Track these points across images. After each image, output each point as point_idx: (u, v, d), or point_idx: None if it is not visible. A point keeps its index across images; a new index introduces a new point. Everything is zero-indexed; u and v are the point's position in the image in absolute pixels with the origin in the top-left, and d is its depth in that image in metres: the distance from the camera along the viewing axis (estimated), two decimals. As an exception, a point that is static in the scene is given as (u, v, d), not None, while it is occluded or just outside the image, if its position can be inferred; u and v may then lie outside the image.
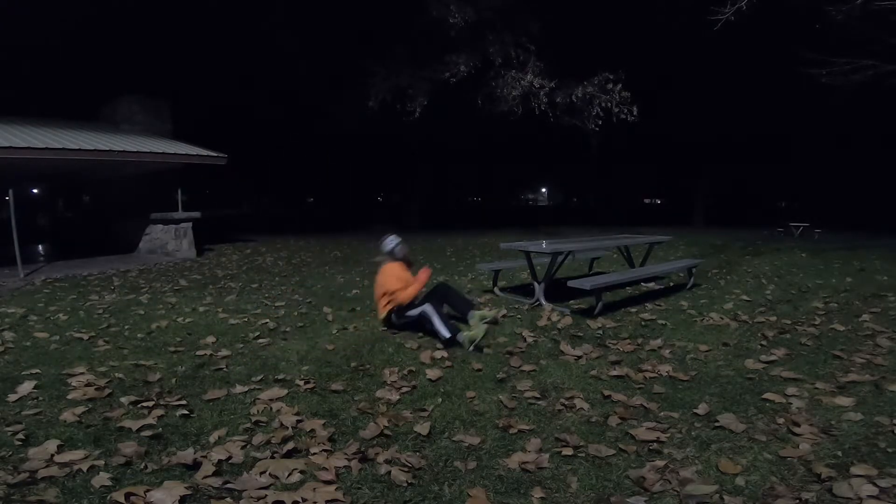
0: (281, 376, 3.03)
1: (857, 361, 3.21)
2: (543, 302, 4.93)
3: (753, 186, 27.54)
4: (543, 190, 57.14)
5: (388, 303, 4.07)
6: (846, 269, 7.44)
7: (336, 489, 1.81)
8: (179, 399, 2.64)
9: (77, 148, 8.37)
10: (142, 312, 4.90)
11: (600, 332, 4.04)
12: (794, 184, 26.10)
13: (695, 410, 2.49)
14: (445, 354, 3.44)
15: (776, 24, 12.36)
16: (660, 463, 2.00)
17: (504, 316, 4.56)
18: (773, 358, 3.28)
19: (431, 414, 2.50)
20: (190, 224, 10.56)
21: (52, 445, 2.09)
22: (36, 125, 9.80)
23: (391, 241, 4.24)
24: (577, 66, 12.31)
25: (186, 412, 2.48)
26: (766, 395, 2.65)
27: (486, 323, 3.79)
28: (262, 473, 1.91)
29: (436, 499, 1.80)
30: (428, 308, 3.80)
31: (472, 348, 3.53)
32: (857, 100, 11.78)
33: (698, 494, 1.79)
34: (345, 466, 1.98)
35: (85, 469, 1.93)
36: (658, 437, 2.20)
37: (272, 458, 2.04)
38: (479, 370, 3.15)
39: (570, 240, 6.44)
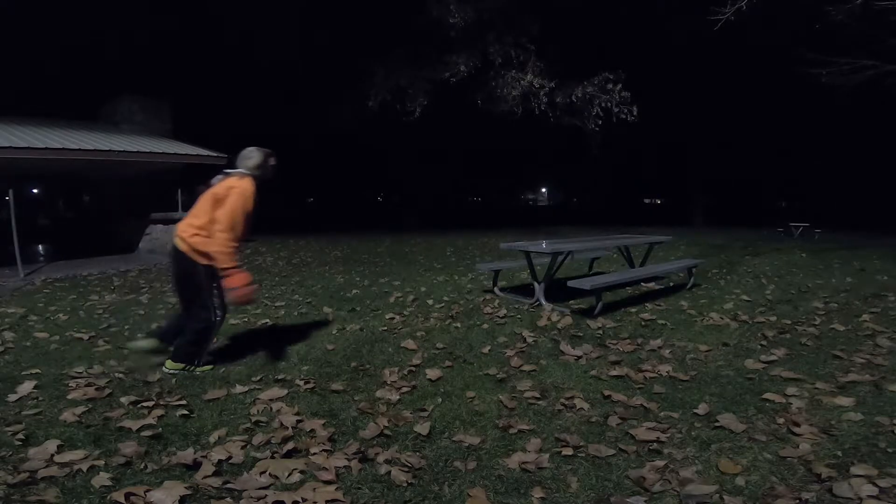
0: (281, 376, 3.03)
1: (857, 361, 3.20)
2: (543, 302, 4.92)
3: (753, 186, 27.52)
4: (543, 190, 57.06)
5: (196, 235, 2.93)
6: (846, 269, 7.44)
7: (336, 489, 1.81)
8: (179, 399, 2.64)
9: (77, 148, 8.38)
10: (142, 312, 4.90)
11: (600, 332, 4.03)
12: (794, 184, 26.10)
13: (695, 410, 2.49)
14: (448, 360, 3.44)
15: (776, 24, 12.37)
16: (660, 463, 2.00)
17: (504, 316, 4.56)
18: (773, 358, 3.28)
19: (431, 414, 2.50)
20: (190, 224, 10.55)
21: (52, 445, 2.09)
22: (36, 125, 9.81)
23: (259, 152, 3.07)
24: (577, 66, 12.34)
25: (186, 412, 2.48)
26: (766, 395, 2.65)
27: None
28: (262, 473, 1.91)
29: (436, 499, 1.80)
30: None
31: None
32: (857, 100, 11.80)
33: (698, 494, 1.79)
34: (345, 466, 1.98)
35: (85, 469, 1.93)
36: (658, 437, 2.20)
37: (272, 458, 2.04)
38: (480, 370, 3.15)
39: (570, 240, 6.44)
